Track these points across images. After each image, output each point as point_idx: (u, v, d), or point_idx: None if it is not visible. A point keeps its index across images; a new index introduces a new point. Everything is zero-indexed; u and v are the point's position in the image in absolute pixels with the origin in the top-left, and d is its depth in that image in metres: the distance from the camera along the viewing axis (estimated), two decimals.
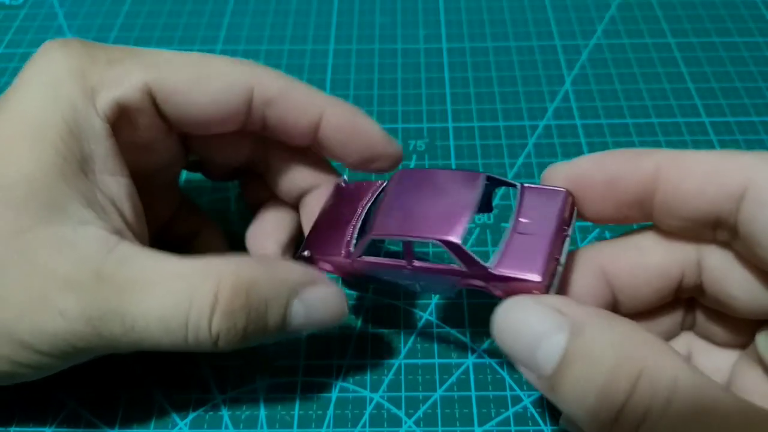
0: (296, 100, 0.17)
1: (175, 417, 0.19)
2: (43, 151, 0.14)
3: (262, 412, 0.19)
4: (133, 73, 0.15)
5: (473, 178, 0.16)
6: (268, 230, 0.20)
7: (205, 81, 0.16)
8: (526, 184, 0.16)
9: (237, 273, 0.14)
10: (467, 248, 0.14)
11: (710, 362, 0.16)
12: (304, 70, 0.29)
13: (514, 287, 0.14)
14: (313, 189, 0.19)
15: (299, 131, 0.17)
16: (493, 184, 0.16)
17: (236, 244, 0.21)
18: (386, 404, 0.19)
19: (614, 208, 0.14)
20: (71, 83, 0.15)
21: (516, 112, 0.27)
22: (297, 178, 0.19)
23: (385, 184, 0.18)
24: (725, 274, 0.14)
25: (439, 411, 0.18)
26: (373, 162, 0.18)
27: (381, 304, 0.21)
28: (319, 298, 0.16)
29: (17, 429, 0.18)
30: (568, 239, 0.14)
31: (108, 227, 0.14)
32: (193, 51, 0.30)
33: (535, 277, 0.13)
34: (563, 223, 0.14)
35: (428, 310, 0.21)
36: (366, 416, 0.18)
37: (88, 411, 0.19)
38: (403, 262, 0.16)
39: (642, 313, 0.15)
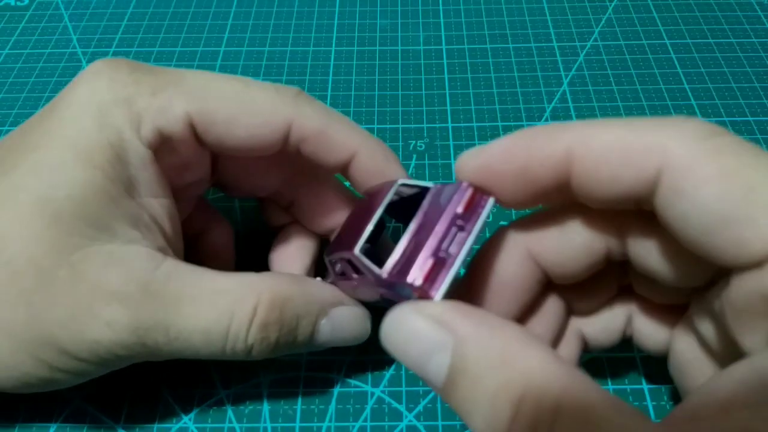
0: (330, 140, 0.17)
1: (180, 412, 0.19)
2: (92, 174, 0.14)
3: (265, 406, 0.19)
4: (177, 103, 0.16)
5: (388, 185, 0.16)
6: (293, 253, 0.20)
7: (245, 116, 0.16)
8: (439, 184, 0.14)
9: (274, 289, 0.15)
10: (365, 260, 0.14)
11: (649, 324, 0.16)
12: (306, 71, 0.30)
13: (403, 293, 0.13)
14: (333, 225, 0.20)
15: (329, 167, 0.18)
16: (411, 189, 0.15)
17: (239, 241, 0.22)
18: (387, 399, 0.19)
19: (530, 197, 0.13)
20: (118, 111, 0.15)
21: (514, 112, 0.28)
22: (325, 218, 0.19)
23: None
24: (648, 249, 0.13)
25: (439, 405, 0.19)
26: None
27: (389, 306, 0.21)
28: (345, 317, 0.17)
29: (23, 425, 0.19)
30: (468, 234, 0.13)
31: (152, 245, 0.15)
32: (197, 51, 0.31)
33: (414, 281, 0.12)
34: (456, 218, 0.13)
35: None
36: (367, 410, 0.19)
37: (93, 406, 0.19)
38: (350, 281, 0.16)
39: (577, 281, 0.15)
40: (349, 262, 0.15)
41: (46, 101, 0.29)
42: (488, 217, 0.14)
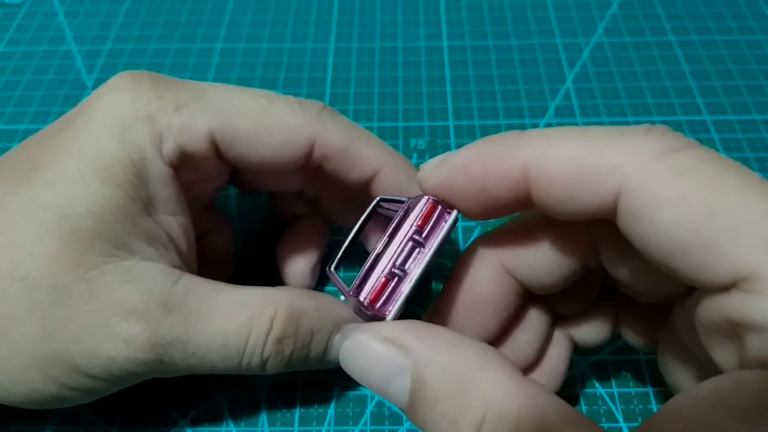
0: (353, 157, 0.17)
1: (176, 415, 0.18)
2: (111, 191, 0.14)
3: (263, 410, 0.19)
4: (199, 120, 0.15)
5: (368, 203, 0.15)
6: (302, 247, 0.20)
7: (268, 133, 0.16)
8: (412, 199, 0.14)
9: (291, 303, 0.15)
10: (336, 278, 0.14)
11: (636, 322, 0.16)
12: (304, 68, 0.29)
13: (361, 314, 0.14)
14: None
15: (350, 185, 0.17)
16: (389, 204, 0.15)
17: (236, 242, 0.21)
18: (387, 402, 0.19)
19: (492, 211, 0.13)
20: (140, 129, 0.15)
21: (517, 110, 0.27)
22: (352, 212, 0.19)
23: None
24: (620, 261, 0.13)
25: None
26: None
27: None
28: None
29: (18, 427, 0.18)
30: (427, 249, 0.13)
31: (169, 263, 0.15)
32: (193, 48, 0.30)
33: (364, 300, 0.13)
34: (415, 234, 0.13)
35: (429, 308, 0.21)
36: (367, 414, 0.18)
37: (88, 409, 0.19)
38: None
39: (558, 289, 0.15)
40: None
41: (41, 99, 0.28)
42: (450, 231, 0.13)
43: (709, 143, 0.26)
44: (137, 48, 0.31)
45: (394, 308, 0.13)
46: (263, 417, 0.18)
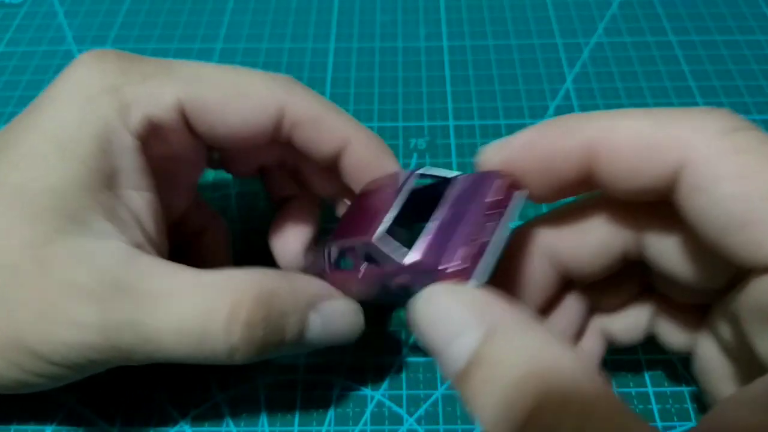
0: (322, 128, 0.16)
1: (176, 415, 0.18)
2: (70, 166, 0.14)
3: (263, 410, 0.19)
4: (166, 90, 0.15)
5: (395, 178, 0.15)
6: (292, 228, 0.20)
7: (236, 100, 0.16)
8: (463, 174, 0.14)
9: (259, 284, 0.14)
10: (386, 246, 0.14)
11: (672, 324, 0.15)
12: (304, 68, 0.29)
13: (424, 281, 0.13)
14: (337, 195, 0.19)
15: (320, 156, 0.17)
16: (433, 179, 0.15)
17: (236, 242, 0.21)
18: (387, 402, 0.19)
19: (554, 190, 0.13)
20: (105, 100, 0.15)
21: (517, 110, 0.27)
22: (331, 181, 0.19)
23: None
24: (667, 248, 0.13)
25: (440, 409, 0.18)
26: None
27: (382, 302, 0.21)
28: (336, 311, 0.16)
29: (18, 427, 0.18)
30: (499, 222, 0.13)
31: (128, 240, 0.14)
32: (193, 48, 0.30)
33: (451, 265, 0.12)
34: (488, 207, 0.13)
35: None
36: (367, 414, 0.18)
37: (88, 409, 0.19)
38: (353, 272, 0.15)
39: (597, 280, 0.15)
40: (363, 249, 0.14)
41: None
42: (520, 207, 0.13)
43: None
44: (137, 48, 0.31)
45: (480, 273, 0.12)
46: (263, 417, 0.18)
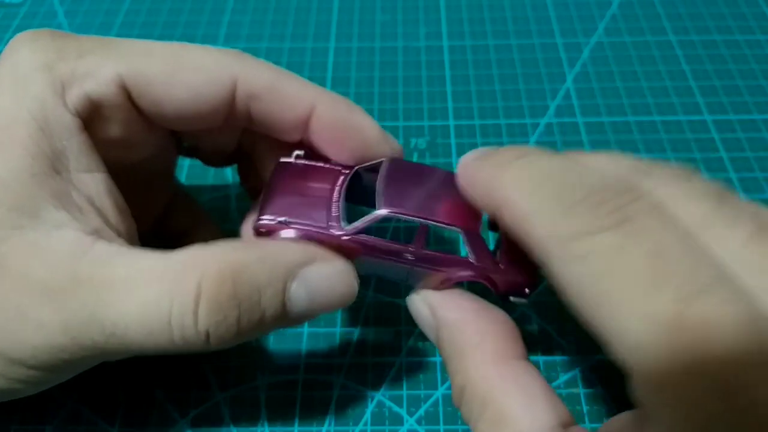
0: (284, 94, 0.15)
1: (176, 415, 0.18)
2: (10, 152, 0.13)
3: (263, 409, 0.19)
4: (106, 64, 0.14)
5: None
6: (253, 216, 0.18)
7: (183, 73, 0.14)
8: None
9: (220, 260, 0.13)
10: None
11: None
12: (304, 67, 0.29)
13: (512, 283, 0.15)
14: None
15: (287, 127, 0.16)
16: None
17: None
18: (388, 402, 0.19)
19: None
20: (39, 78, 0.14)
21: (517, 109, 0.27)
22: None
23: (354, 169, 0.17)
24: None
25: (440, 409, 0.18)
26: (368, 162, 0.17)
27: (382, 302, 0.21)
28: (322, 276, 0.14)
29: (18, 427, 0.18)
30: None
31: (84, 228, 0.13)
32: None
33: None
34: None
35: None
36: (367, 414, 0.18)
37: (88, 409, 0.19)
38: (410, 247, 0.15)
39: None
40: (475, 238, 0.15)
41: None
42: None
43: (709, 143, 0.26)
44: None
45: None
46: (263, 417, 0.18)
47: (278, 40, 0.31)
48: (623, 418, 0.12)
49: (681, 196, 0.12)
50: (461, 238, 0.15)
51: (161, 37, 0.31)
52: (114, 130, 0.15)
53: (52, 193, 0.13)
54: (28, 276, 0.13)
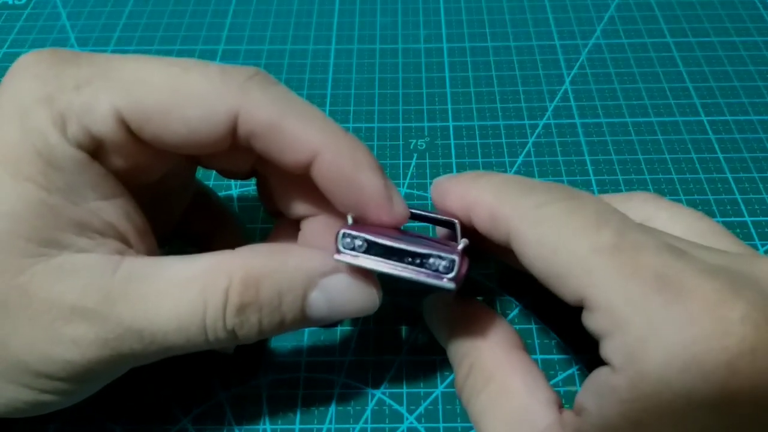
0: (284, 136, 0.14)
1: (179, 413, 0.19)
2: (22, 186, 0.13)
3: (265, 408, 0.19)
4: (102, 99, 0.14)
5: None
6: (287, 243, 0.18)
7: (180, 109, 0.14)
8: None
9: (245, 267, 0.14)
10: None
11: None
12: (305, 69, 0.30)
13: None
14: (312, 215, 0.17)
15: (287, 167, 0.15)
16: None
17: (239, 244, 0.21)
18: (388, 400, 0.19)
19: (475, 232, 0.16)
20: (40, 113, 0.13)
21: (516, 111, 0.27)
22: (294, 203, 0.17)
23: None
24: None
25: (440, 407, 0.19)
26: (368, 220, 0.15)
27: (383, 301, 0.21)
28: (342, 286, 0.15)
29: (22, 426, 0.18)
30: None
31: (108, 251, 0.14)
32: (195, 50, 0.31)
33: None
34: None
35: None
36: (368, 412, 0.19)
37: (92, 408, 0.19)
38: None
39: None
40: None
41: None
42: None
43: (706, 144, 0.26)
44: (139, 50, 0.31)
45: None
46: (265, 415, 0.19)
47: (280, 42, 0.31)
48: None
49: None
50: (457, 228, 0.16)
51: (163, 40, 0.31)
52: (120, 160, 0.14)
53: (71, 222, 0.13)
54: (58, 298, 0.13)
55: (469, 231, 0.16)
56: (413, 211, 0.17)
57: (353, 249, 0.14)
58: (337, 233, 0.14)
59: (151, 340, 0.13)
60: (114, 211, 0.14)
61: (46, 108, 0.13)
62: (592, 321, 0.13)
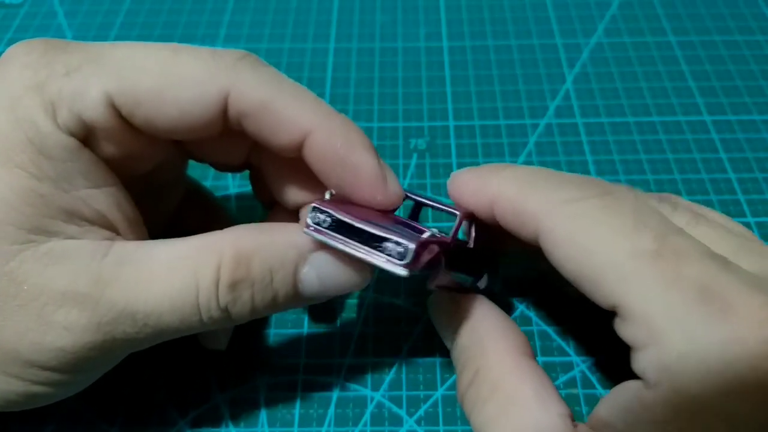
0: (276, 116, 0.14)
1: (176, 416, 0.18)
2: (12, 175, 0.13)
3: (263, 410, 0.19)
4: (93, 84, 0.13)
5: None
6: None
7: (171, 89, 0.14)
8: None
9: (236, 244, 0.14)
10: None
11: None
12: (304, 68, 0.29)
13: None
14: (308, 203, 0.17)
15: (279, 148, 0.15)
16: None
17: None
18: (387, 403, 0.19)
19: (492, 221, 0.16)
20: (30, 101, 0.13)
21: (517, 110, 0.27)
22: (289, 189, 0.17)
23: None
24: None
25: (440, 410, 0.18)
26: (362, 201, 0.15)
27: (382, 302, 0.21)
28: (332, 261, 0.14)
29: (18, 427, 0.18)
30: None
31: (97, 237, 0.14)
32: None
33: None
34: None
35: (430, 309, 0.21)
36: (367, 415, 0.18)
37: (88, 410, 0.19)
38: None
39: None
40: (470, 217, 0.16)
41: None
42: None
43: (708, 143, 0.26)
44: None
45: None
46: (263, 418, 0.18)
47: (278, 41, 0.31)
48: (628, 386, 0.12)
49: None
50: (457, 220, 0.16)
51: (161, 38, 0.31)
52: (111, 147, 0.14)
53: (61, 210, 0.13)
54: (48, 284, 0.13)
55: (489, 227, 0.16)
56: (410, 194, 0.16)
57: (319, 224, 0.14)
58: (308, 207, 0.14)
59: (145, 322, 0.13)
60: (104, 199, 0.14)
61: (37, 95, 0.13)
62: (625, 330, 0.12)
